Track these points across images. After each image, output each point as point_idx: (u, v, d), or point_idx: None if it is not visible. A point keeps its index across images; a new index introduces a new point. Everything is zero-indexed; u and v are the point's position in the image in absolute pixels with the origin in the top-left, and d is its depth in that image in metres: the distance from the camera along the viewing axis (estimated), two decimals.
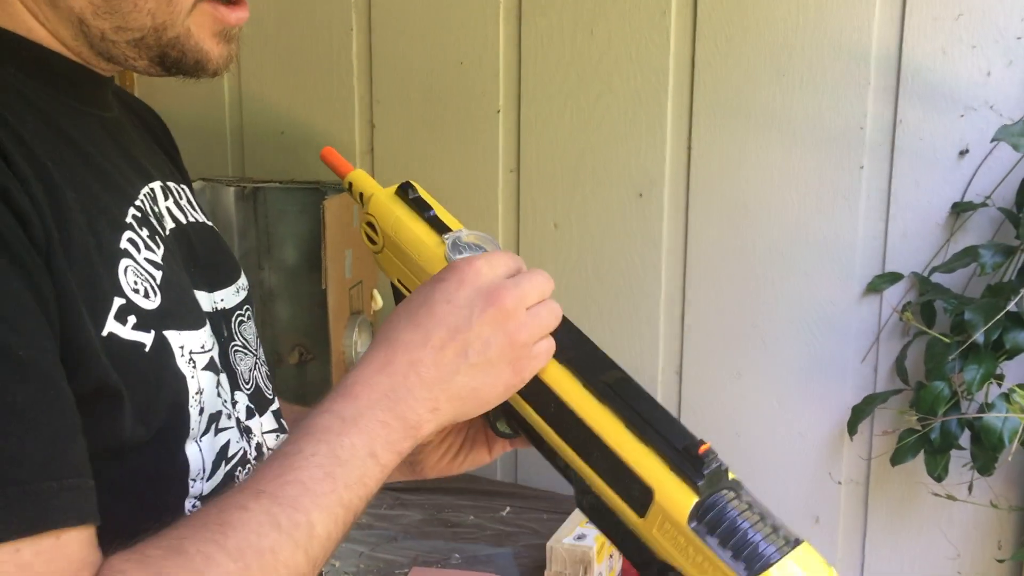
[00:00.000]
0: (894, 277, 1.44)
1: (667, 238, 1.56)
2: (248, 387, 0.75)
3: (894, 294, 1.45)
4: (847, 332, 1.48)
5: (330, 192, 1.50)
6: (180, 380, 0.63)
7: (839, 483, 1.53)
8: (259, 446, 0.74)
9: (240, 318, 0.77)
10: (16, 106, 0.60)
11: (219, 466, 0.67)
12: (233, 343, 0.75)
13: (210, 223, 0.80)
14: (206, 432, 0.66)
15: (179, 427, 0.63)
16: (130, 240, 0.63)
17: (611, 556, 1.22)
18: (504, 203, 1.67)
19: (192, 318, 0.66)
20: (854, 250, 1.46)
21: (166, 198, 0.73)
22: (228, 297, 0.76)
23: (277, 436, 0.79)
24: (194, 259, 0.73)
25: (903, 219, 1.44)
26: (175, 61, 0.66)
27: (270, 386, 0.81)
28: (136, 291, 0.61)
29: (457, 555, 1.35)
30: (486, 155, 1.66)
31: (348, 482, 0.57)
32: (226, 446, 0.69)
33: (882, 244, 1.45)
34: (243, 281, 0.81)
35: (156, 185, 0.72)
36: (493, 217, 1.67)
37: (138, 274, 0.62)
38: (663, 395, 1.61)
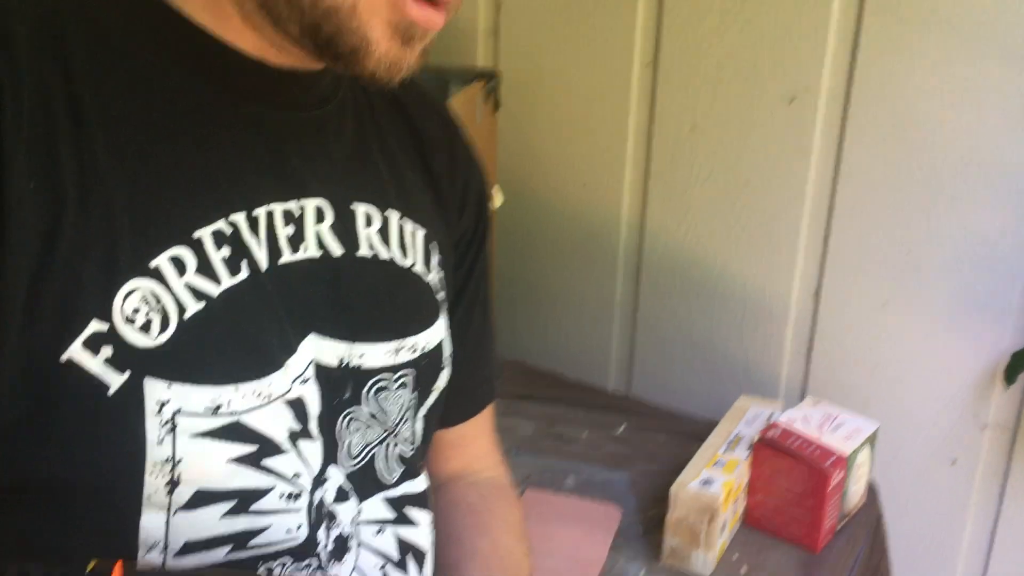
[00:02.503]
0: None
1: (818, 149, 1.41)
2: (353, 462, 0.65)
3: None
4: (1016, 269, 1.33)
5: (453, 83, 1.39)
6: (135, 442, 0.52)
7: (984, 427, 1.41)
8: (341, 538, 0.64)
9: (381, 384, 0.66)
10: (135, 98, 0.55)
11: (214, 547, 0.57)
12: (350, 410, 0.64)
13: (407, 265, 0.68)
14: (195, 507, 0.56)
15: (126, 492, 0.54)
16: (174, 259, 0.54)
17: (735, 501, 1.16)
18: (637, 100, 1.53)
19: (221, 372, 0.55)
20: None
21: (320, 220, 0.62)
22: (374, 355, 0.65)
23: (381, 529, 0.67)
24: (334, 300, 0.62)
25: None
26: (328, 38, 0.55)
27: (399, 470, 0.69)
28: (130, 320, 0.52)
29: (571, 478, 1.30)
30: (621, 44, 1.52)
31: None
32: (256, 532, 0.58)
33: None
34: (417, 343, 0.68)
35: (311, 202, 0.62)
36: (624, 114, 1.54)
37: (148, 301, 0.52)
38: (795, 318, 1.50)
